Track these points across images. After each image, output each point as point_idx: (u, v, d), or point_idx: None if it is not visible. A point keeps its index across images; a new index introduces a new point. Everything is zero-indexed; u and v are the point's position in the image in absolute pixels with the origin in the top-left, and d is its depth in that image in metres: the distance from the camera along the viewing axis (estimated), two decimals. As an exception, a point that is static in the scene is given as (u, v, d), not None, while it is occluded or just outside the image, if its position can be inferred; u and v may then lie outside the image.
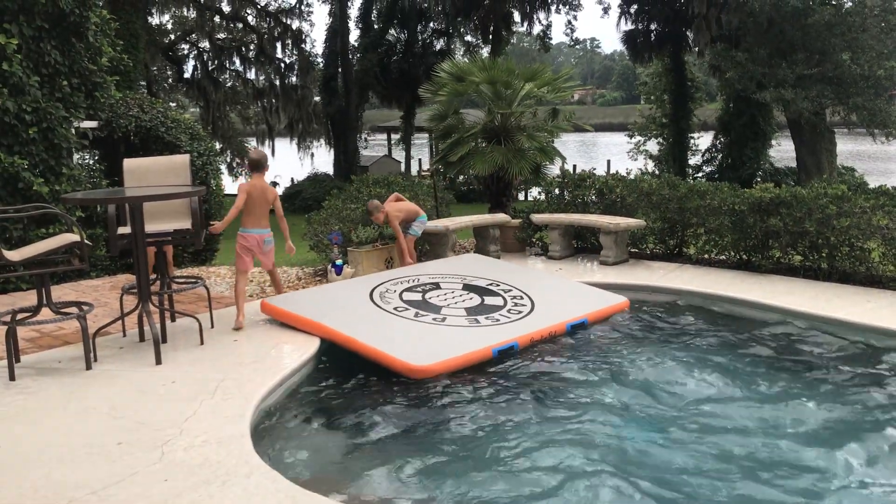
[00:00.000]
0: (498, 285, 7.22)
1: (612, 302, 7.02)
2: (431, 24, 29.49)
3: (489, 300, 6.80)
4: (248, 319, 6.37)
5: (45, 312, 5.30)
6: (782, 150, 25.77)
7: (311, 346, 5.67)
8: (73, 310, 5.42)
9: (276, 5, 29.01)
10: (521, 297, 6.92)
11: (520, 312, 6.53)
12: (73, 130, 8.35)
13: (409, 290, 6.88)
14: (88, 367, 5.18)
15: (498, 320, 6.30)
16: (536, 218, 9.33)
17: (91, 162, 9.38)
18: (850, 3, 19.31)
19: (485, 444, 4.29)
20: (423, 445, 4.31)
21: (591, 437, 4.36)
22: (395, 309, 6.34)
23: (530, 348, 5.97)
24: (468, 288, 7.09)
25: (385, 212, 8.22)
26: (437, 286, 7.06)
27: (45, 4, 7.77)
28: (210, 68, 28.36)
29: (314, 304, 6.37)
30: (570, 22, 29.44)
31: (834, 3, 19.24)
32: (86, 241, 5.38)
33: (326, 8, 28.78)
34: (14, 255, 5.13)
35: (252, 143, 30.77)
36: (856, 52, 18.60)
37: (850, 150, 36.19)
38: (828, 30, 18.39)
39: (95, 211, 8.60)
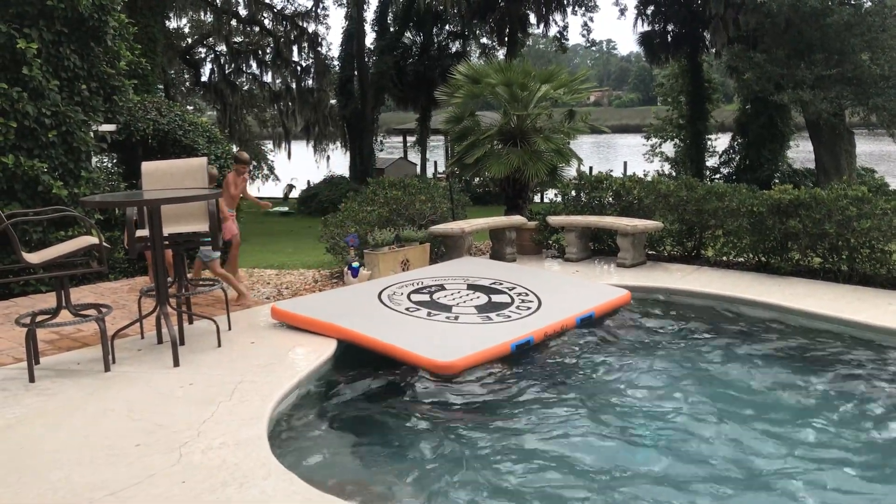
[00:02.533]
0: (501, 284, 7.27)
1: (614, 295, 7.11)
2: (447, 27, 29.47)
3: (496, 298, 6.85)
4: (264, 322, 6.40)
5: (65, 314, 5.33)
6: (800, 152, 25.53)
7: (327, 348, 5.67)
8: (92, 312, 5.45)
9: (293, 9, 29.15)
10: (527, 294, 6.97)
11: (529, 308, 6.58)
12: (92, 134, 8.42)
13: (415, 291, 6.94)
14: (107, 369, 5.21)
15: (509, 316, 6.34)
16: (553, 220, 9.29)
17: (109, 165, 9.45)
18: (869, 3, 19.09)
19: (503, 448, 4.27)
20: (441, 448, 4.29)
21: (614, 443, 4.33)
22: (406, 309, 6.38)
23: (544, 343, 6.03)
24: (473, 287, 7.14)
25: (221, 192, 7.21)
26: (441, 287, 7.11)
27: (64, 9, 7.84)
28: (227, 72, 28.52)
29: (326, 307, 6.40)
30: (586, 23, 29.16)
31: (853, 2, 19.01)
32: (104, 244, 5.41)
33: (342, 11, 28.80)
34: (34, 258, 5.16)
35: (269, 145, 30.91)
36: (875, 52, 18.38)
37: (870, 151, 35.81)
38: (847, 30, 18.18)
39: (114, 214, 8.66)
